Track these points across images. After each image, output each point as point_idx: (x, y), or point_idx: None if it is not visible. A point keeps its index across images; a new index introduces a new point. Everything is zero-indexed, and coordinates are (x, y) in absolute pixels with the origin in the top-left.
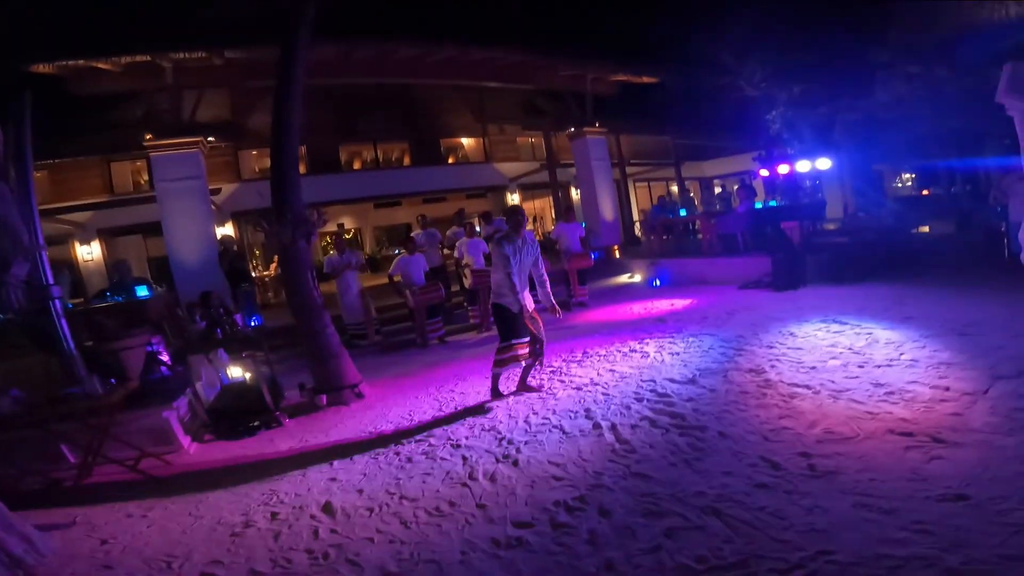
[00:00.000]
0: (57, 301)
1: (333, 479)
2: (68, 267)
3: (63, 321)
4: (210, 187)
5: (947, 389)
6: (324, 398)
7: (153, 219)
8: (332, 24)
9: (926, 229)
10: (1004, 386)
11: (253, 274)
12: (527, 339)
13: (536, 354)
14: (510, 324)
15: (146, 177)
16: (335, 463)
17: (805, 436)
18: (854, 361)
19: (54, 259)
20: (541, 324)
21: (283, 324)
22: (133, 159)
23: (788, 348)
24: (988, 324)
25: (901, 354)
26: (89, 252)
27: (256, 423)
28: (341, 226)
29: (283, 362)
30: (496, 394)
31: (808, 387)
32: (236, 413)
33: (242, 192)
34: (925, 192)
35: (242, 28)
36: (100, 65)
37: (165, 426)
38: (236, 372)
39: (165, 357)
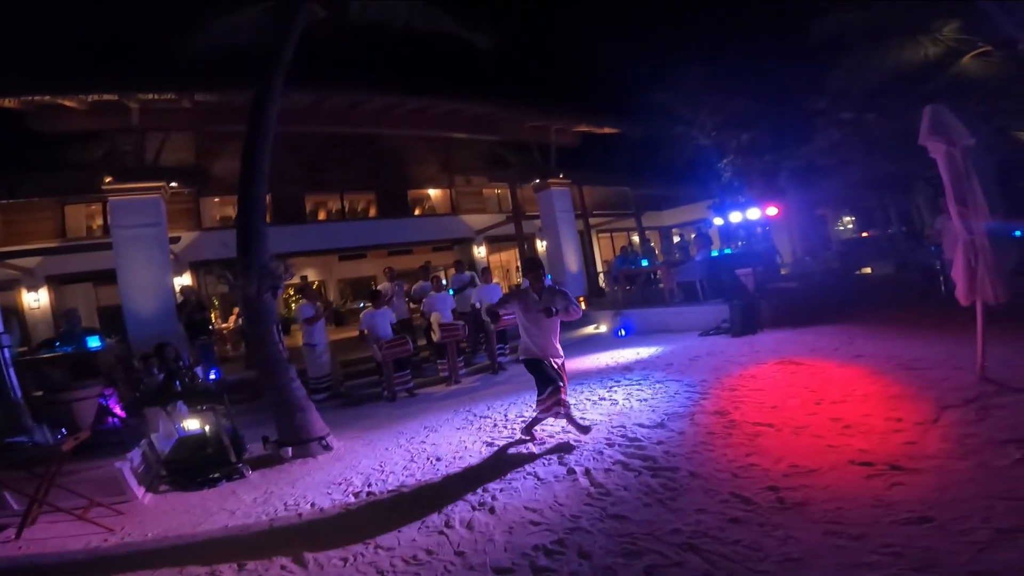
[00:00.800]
0: (6, 350)
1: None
2: (14, 314)
3: (10, 370)
4: (169, 235)
5: (900, 420)
6: (290, 450)
7: (106, 266)
8: (304, 72)
9: (868, 270)
10: (952, 415)
11: (211, 327)
12: (562, 383)
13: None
14: (540, 376)
15: (100, 222)
16: (303, 512)
17: (772, 471)
18: (811, 399)
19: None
20: (565, 378)
21: (243, 377)
22: (88, 203)
23: (750, 389)
24: (932, 359)
25: (854, 390)
26: (36, 299)
27: (217, 475)
28: (304, 278)
29: (243, 415)
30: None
31: (771, 425)
32: (194, 465)
33: (203, 241)
34: (865, 234)
35: (214, 71)
36: (65, 102)
37: (118, 476)
38: (194, 424)
39: (118, 409)
